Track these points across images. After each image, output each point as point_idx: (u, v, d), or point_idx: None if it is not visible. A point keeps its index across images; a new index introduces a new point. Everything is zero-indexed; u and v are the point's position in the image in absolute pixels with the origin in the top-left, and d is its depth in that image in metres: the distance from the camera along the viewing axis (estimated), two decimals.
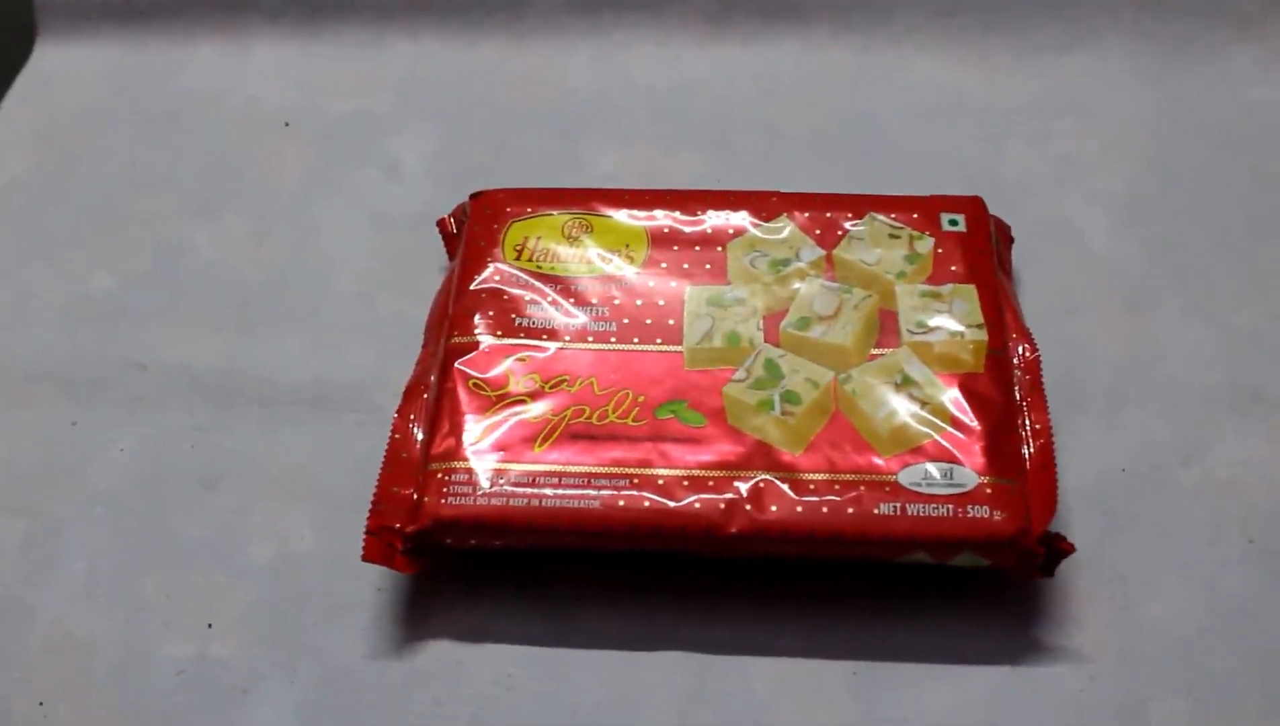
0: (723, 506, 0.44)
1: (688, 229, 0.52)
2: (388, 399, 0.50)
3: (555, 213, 0.53)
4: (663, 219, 0.53)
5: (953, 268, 0.51)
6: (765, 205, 0.53)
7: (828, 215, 0.52)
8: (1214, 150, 0.60)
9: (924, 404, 0.46)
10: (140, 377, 0.54)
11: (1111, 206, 0.58)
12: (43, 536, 0.49)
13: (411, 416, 0.49)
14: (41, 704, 0.45)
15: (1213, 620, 0.45)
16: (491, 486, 0.45)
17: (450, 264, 0.54)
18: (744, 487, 0.45)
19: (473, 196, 0.55)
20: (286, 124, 0.64)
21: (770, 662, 0.45)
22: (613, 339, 0.49)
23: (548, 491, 0.45)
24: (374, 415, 0.51)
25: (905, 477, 0.44)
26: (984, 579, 0.46)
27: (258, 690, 0.45)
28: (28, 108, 0.66)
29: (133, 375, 0.54)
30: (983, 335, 0.48)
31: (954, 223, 0.52)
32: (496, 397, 0.47)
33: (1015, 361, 0.49)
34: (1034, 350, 0.49)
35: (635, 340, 0.49)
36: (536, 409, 0.47)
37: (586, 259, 0.52)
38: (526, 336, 0.49)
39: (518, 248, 0.52)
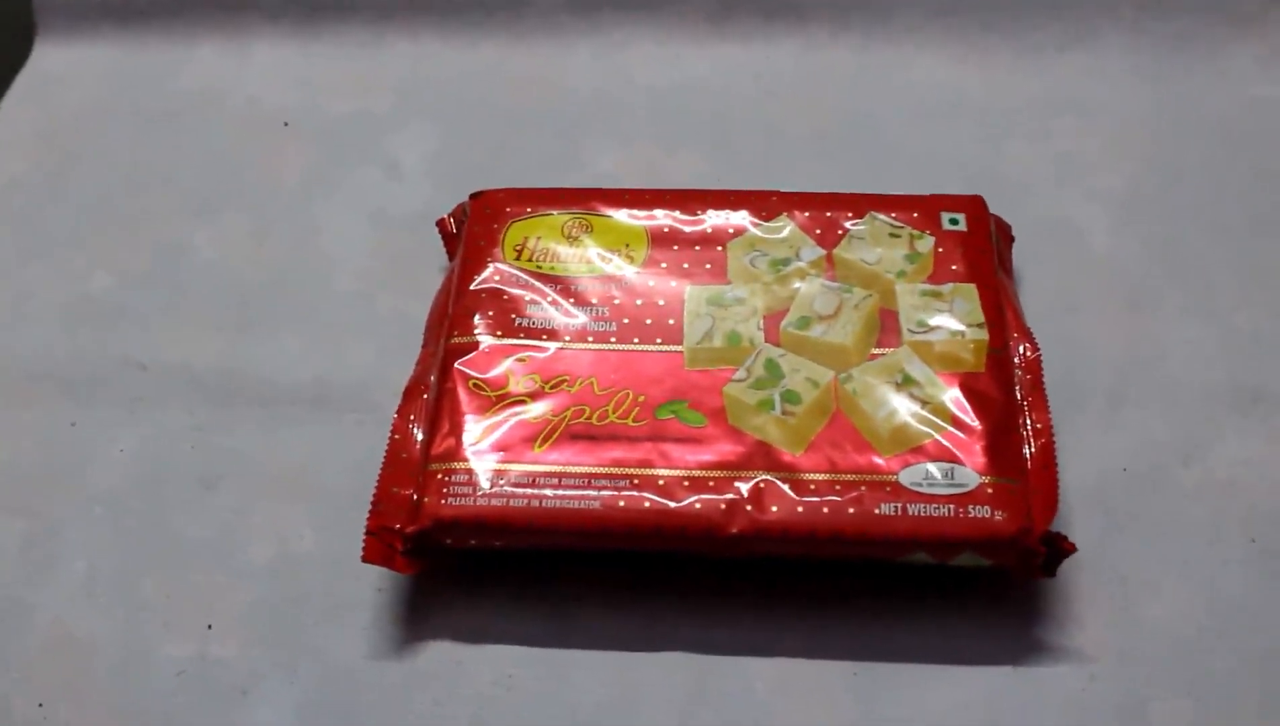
0: (723, 506, 0.44)
1: (688, 228, 0.52)
2: (388, 399, 0.50)
3: (555, 212, 0.53)
4: (663, 218, 0.53)
5: (953, 267, 0.51)
6: (765, 205, 0.53)
7: (828, 214, 0.52)
8: (1214, 148, 0.60)
9: (925, 403, 0.46)
10: (140, 377, 0.54)
11: (1112, 205, 0.58)
12: (43, 536, 0.49)
13: (411, 416, 0.48)
14: (41, 704, 0.45)
15: (1213, 620, 0.45)
16: (491, 487, 0.45)
17: (450, 264, 0.54)
18: (744, 488, 0.44)
19: (473, 196, 0.55)
20: (286, 124, 0.64)
21: (771, 663, 0.45)
22: (613, 339, 0.49)
23: (548, 492, 0.45)
24: (374, 415, 0.51)
25: (906, 477, 0.44)
26: (985, 579, 0.46)
27: (258, 690, 0.45)
28: (27, 108, 0.66)
29: (132, 375, 0.54)
30: (983, 334, 0.48)
31: (954, 222, 0.52)
32: (496, 398, 0.47)
33: (1016, 361, 0.49)
34: (1035, 349, 0.49)
35: (635, 340, 0.49)
36: (536, 409, 0.47)
37: (586, 259, 0.52)
38: (526, 336, 0.49)
39: (518, 247, 0.52)
